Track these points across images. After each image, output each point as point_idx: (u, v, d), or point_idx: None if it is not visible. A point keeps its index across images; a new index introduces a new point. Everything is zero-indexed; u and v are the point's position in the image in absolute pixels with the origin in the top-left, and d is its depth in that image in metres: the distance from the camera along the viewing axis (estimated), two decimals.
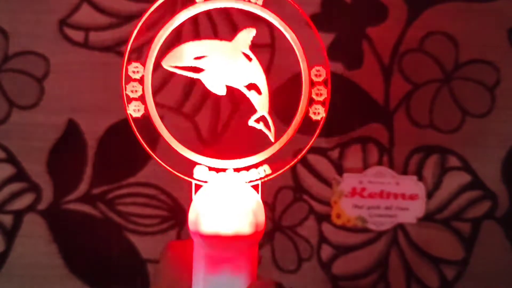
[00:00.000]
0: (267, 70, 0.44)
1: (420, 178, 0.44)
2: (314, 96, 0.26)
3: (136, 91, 0.26)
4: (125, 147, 0.44)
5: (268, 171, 0.27)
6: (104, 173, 0.44)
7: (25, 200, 0.44)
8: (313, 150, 0.44)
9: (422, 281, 0.45)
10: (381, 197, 0.44)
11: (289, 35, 0.27)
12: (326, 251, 0.45)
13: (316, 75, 0.26)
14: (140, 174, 0.44)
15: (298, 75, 0.44)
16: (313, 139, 0.26)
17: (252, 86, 0.27)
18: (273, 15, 0.27)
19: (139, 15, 0.44)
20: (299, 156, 0.27)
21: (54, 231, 0.45)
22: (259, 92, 0.27)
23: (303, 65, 0.26)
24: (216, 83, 0.26)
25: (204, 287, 0.26)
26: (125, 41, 0.44)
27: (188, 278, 0.27)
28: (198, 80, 0.27)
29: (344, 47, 0.44)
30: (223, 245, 0.25)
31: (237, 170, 0.26)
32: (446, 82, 0.44)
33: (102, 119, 0.44)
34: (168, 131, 0.27)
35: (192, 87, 0.43)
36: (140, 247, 0.45)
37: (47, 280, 0.45)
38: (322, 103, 0.26)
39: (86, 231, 0.45)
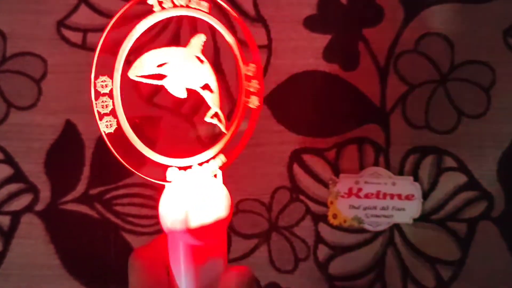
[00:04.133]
0: (265, 71, 0.44)
1: (416, 178, 0.45)
2: (249, 89, 0.30)
3: (106, 105, 0.26)
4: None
5: (224, 159, 0.29)
6: (102, 173, 0.44)
7: (23, 200, 0.45)
8: (309, 150, 0.45)
9: (419, 281, 0.45)
10: (377, 197, 0.44)
11: (229, 38, 0.30)
12: (323, 251, 0.45)
13: (249, 71, 0.30)
14: (137, 175, 0.44)
15: (295, 75, 0.44)
16: (252, 125, 0.30)
17: (206, 86, 0.29)
18: (217, 21, 0.29)
19: (137, 16, 0.44)
20: (244, 141, 0.30)
21: (51, 231, 0.45)
22: (211, 91, 0.29)
23: (241, 64, 0.30)
24: (178, 87, 0.28)
25: (193, 280, 0.28)
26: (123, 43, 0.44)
27: (164, 279, 0.28)
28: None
29: (340, 48, 0.44)
30: (209, 234, 0.27)
31: (200, 164, 0.29)
32: (442, 83, 0.44)
33: None
34: (142, 141, 0.28)
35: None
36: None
37: (44, 280, 0.45)
38: (257, 94, 0.30)
39: (83, 231, 0.45)
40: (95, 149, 0.44)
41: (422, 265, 0.45)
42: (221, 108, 0.30)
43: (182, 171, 0.28)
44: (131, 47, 0.27)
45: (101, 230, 0.45)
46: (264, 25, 0.44)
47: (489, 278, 0.45)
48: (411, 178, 0.44)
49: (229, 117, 0.30)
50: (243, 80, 0.30)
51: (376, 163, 0.45)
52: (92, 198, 0.45)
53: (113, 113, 0.26)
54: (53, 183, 0.45)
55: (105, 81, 0.26)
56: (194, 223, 0.27)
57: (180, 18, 0.29)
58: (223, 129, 0.30)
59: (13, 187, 0.45)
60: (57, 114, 0.44)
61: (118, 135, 0.26)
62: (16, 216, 0.45)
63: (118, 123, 0.26)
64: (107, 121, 0.26)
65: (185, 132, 0.41)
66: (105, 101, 0.26)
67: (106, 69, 0.26)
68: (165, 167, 0.28)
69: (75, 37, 0.44)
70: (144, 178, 0.28)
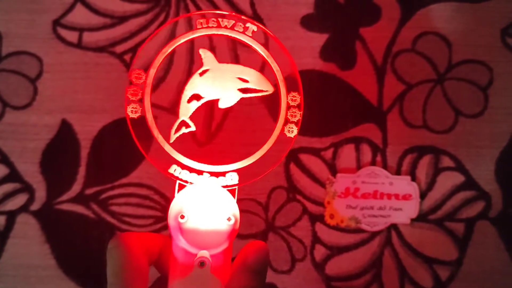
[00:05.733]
0: (261, 71, 0.44)
1: (414, 178, 0.44)
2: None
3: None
4: (118, 147, 0.44)
5: (235, 180, 0.29)
6: (97, 173, 0.44)
7: (18, 200, 0.44)
8: (306, 150, 0.44)
9: (416, 281, 0.45)
10: (374, 197, 0.44)
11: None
12: (320, 252, 0.45)
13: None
14: (133, 175, 0.44)
15: (292, 76, 0.44)
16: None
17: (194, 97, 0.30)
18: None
19: (133, 15, 0.44)
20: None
21: (47, 231, 0.44)
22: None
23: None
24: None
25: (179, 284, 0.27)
26: (118, 42, 0.44)
27: (145, 268, 0.27)
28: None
29: (338, 47, 0.44)
30: (200, 241, 0.27)
31: (212, 174, 0.29)
32: (439, 82, 0.44)
33: (95, 120, 0.44)
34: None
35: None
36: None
37: (40, 280, 0.45)
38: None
39: (79, 231, 0.45)
40: (91, 149, 0.44)
41: (419, 265, 0.45)
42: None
43: (194, 174, 0.29)
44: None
45: (97, 230, 0.44)
46: (261, 24, 0.44)
47: (486, 278, 0.45)
48: (409, 178, 0.44)
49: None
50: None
51: (373, 163, 0.44)
52: (88, 198, 0.44)
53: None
54: (48, 183, 0.44)
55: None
56: (189, 225, 0.27)
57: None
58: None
59: (8, 187, 0.44)
60: (52, 114, 0.44)
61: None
62: (11, 216, 0.45)
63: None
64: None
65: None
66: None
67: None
68: (179, 164, 0.29)
69: (71, 36, 0.44)
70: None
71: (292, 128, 0.30)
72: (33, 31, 0.44)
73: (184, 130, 0.29)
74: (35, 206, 0.44)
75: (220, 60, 0.30)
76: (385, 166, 0.44)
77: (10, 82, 0.44)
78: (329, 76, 0.44)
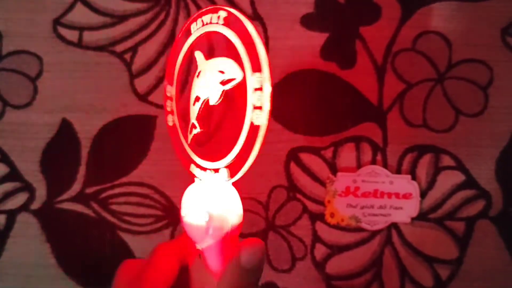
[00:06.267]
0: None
1: (414, 177, 0.44)
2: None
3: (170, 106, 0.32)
4: (119, 146, 0.44)
5: (226, 175, 0.28)
6: (98, 172, 0.44)
7: (18, 199, 0.44)
8: (307, 149, 0.44)
9: (416, 280, 0.45)
10: (375, 196, 0.44)
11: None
12: (320, 251, 0.45)
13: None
14: (134, 174, 0.44)
15: (292, 73, 0.44)
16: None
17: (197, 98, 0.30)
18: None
19: (133, 14, 0.44)
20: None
21: (47, 230, 0.44)
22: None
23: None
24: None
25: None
26: (118, 41, 0.44)
27: (173, 273, 0.30)
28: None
29: (337, 46, 0.44)
30: (199, 235, 0.28)
31: (216, 170, 0.28)
32: (440, 82, 0.44)
33: (95, 119, 0.44)
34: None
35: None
36: (134, 246, 0.45)
37: (40, 279, 0.45)
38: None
39: (79, 230, 0.45)
40: (91, 148, 0.44)
41: (420, 264, 0.45)
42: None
43: (202, 171, 0.29)
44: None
45: (97, 229, 0.44)
46: (261, 23, 0.44)
47: (487, 277, 0.45)
48: (409, 176, 0.44)
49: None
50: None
51: (373, 162, 0.45)
52: (88, 197, 0.44)
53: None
54: (49, 182, 0.44)
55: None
56: (184, 219, 0.29)
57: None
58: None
59: (8, 186, 0.44)
60: (53, 113, 0.44)
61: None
62: (11, 215, 0.44)
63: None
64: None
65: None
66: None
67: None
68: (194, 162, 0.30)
69: (71, 35, 0.44)
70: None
71: (258, 114, 0.25)
72: (33, 30, 0.44)
73: (194, 131, 0.30)
74: (35, 205, 0.44)
75: (214, 56, 0.29)
76: (385, 165, 0.44)
77: (10, 81, 0.44)
78: (329, 75, 0.44)
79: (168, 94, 0.32)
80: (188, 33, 0.30)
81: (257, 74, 0.25)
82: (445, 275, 0.45)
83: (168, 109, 0.32)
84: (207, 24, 0.29)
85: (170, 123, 0.32)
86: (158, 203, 0.44)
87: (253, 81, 0.26)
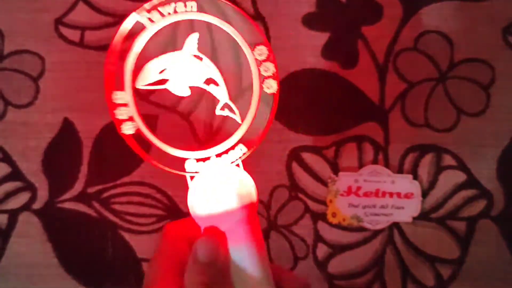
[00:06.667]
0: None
1: (416, 177, 0.44)
2: (263, 73, 0.29)
3: (124, 113, 0.30)
4: (120, 146, 0.44)
5: (244, 149, 0.30)
6: (99, 172, 0.44)
7: (20, 199, 0.44)
8: (308, 149, 0.44)
9: (418, 279, 0.45)
10: (376, 196, 0.44)
11: (227, 28, 0.29)
12: (322, 250, 0.45)
13: (259, 54, 0.29)
14: (135, 173, 0.44)
15: (294, 73, 0.44)
16: (273, 111, 0.30)
17: (209, 81, 0.30)
18: (211, 16, 0.30)
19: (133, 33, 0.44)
20: (267, 129, 0.30)
21: (49, 230, 0.45)
22: (217, 84, 0.30)
23: (246, 50, 0.29)
24: (180, 88, 0.30)
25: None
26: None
27: (184, 252, 0.29)
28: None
29: (339, 46, 0.44)
30: (217, 223, 0.29)
31: (218, 155, 0.30)
32: (441, 81, 0.44)
33: (97, 118, 0.44)
34: (158, 138, 0.31)
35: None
36: (135, 246, 0.45)
37: (42, 279, 0.45)
38: (273, 77, 0.30)
39: (81, 230, 0.45)
40: (93, 147, 0.44)
41: (421, 264, 0.45)
42: (232, 99, 0.30)
43: (201, 162, 0.30)
44: (135, 61, 0.30)
45: (99, 228, 0.44)
46: (262, 23, 0.44)
47: (488, 276, 0.45)
48: (411, 176, 0.44)
49: (246, 106, 0.30)
50: (255, 65, 0.29)
51: (375, 161, 0.45)
52: (90, 197, 0.44)
53: (131, 119, 0.30)
54: (50, 182, 0.44)
55: (119, 95, 0.30)
56: (199, 211, 0.29)
57: (173, 24, 0.30)
58: (237, 119, 0.30)
59: (10, 185, 0.44)
60: (55, 113, 0.44)
61: (139, 136, 0.30)
62: (13, 215, 0.45)
63: (137, 126, 0.30)
64: (127, 126, 0.30)
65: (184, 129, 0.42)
66: (122, 110, 0.30)
67: (119, 85, 0.29)
68: (182, 159, 0.30)
69: (73, 35, 0.44)
70: (169, 170, 0.30)
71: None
72: (35, 30, 0.44)
73: (230, 114, 0.30)
74: (37, 205, 0.44)
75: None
76: (387, 165, 0.44)
77: (12, 81, 0.44)
78: (331, 75, 0.44)
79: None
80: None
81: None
82: (447, 275, 0.45)
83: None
84: (169, 14, 0.29)
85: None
86: (160, 203, 0.44)
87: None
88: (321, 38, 0.44)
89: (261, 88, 0.29)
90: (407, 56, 0.44)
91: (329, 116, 0.44)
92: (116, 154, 0.44)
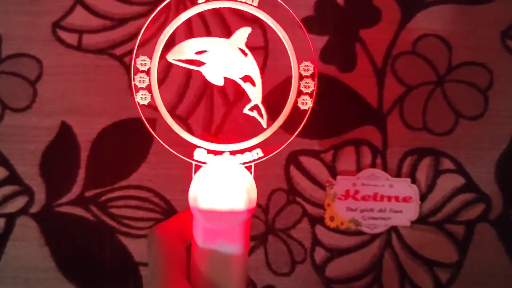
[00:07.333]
0: (261, 71, 0.44)
1: (414, 180, 0.44)
2: (302, 88, 0.30)
3: (143, 81, 0.29)
4: (118, 150, 0.44)
5: (261, 154, 0.30)
6: (97, 175, 0.44)
7: (18, 203, 0.44)
8: (306, 152, 0.44)
9: (416, 284, 0.45)
10: (374, 199, 0.44)
11: (281, 34, 0.30)
12: (320, 254, 0.45)
13: (304, 70, 0.30)
14: (133, 177, 0.44)
15: (291, 76, 0.44)
16: (301, 126, 0.30)
17: (247, 78, 0.30)
18: (267, 15, 0.30)
19: (132, 18, 0.44)
20: (289, 141, 0.30)
21: (46, 234, 0.44)
22: (253, 84, 0.30)
23: (293, 61, 0.30)
24: (215, 75, 0.30)
25: (201, 254, 0.29)
26: (118, 44, 0.44)
27: (182, 251, 0.29)
28: (194, 77, 0.31)
29: (337, 49, 0.44)
30: (218, 219, 0.28)
31: (233, 153, 0.29)
32: (439, 85, 0.44)
33: (95, 122, 0.44)
34: (172, 116, 0.30)
35: (187, 88, 0.43)
36: (133, 250, 0.45)
37: (39, 283, 0.44)
38: (310, 95, 0.30)
39: (78, 234, 0.44)
40: (91, 151, 0.44)
41: (419, 268, 0.45)
42: (262, 103, 0.30)
43: (211, 154, 0.29)
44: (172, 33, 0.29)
45: (97, 232, 0.44)
46: (260, 26, 0.44)
47: (487, 280, 0.45)
48: (409, 180, 0.44)
49: (275, 114, 0.30)
50: (297, 78, 0.30)
51: (373, 165, 0.44)
52: (87, 201, 0.44)
53: (148, 88, 0.29)
54: (48, 185, 0.44)
55: (144, 60, 0.29)
56: (204, 204, 0.28)
57: (219, 11, 0.30)
58: (263, 123, 0.30)
59: (8, 189, 0.44)
60: (52, 116, 0.44)
61: (151, 108, 0.29)
62: (11, 219, 0.44)
63: (152, 97, 0.29)
64: (142, 95, 0.29)
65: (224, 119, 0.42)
66: (143, 77, 0.29)
67: (147, 51, 0.29)
68: (193, 146, 0.30)
69: (71, 38, 0.44)
70: (172, 152, 0.29)
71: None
72: (32, 33, 0.44)
73: (259, 116, 0.30)
74: (34, 209, 0.44)
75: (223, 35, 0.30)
76: (385, 169, 0.44)
77: (10, 84, 0.44)
78: (329, 78, 0.44)
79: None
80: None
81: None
82: (445, 279, 0.45)
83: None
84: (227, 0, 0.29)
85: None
86: (158, 207, 0.44)
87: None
88: (319, 41, 0.44)
89: (295, 102, 0.30)
90: (405, 60, 0.44)
91: (327, 119, 0.44)
92: (113, 158, 0.44)
